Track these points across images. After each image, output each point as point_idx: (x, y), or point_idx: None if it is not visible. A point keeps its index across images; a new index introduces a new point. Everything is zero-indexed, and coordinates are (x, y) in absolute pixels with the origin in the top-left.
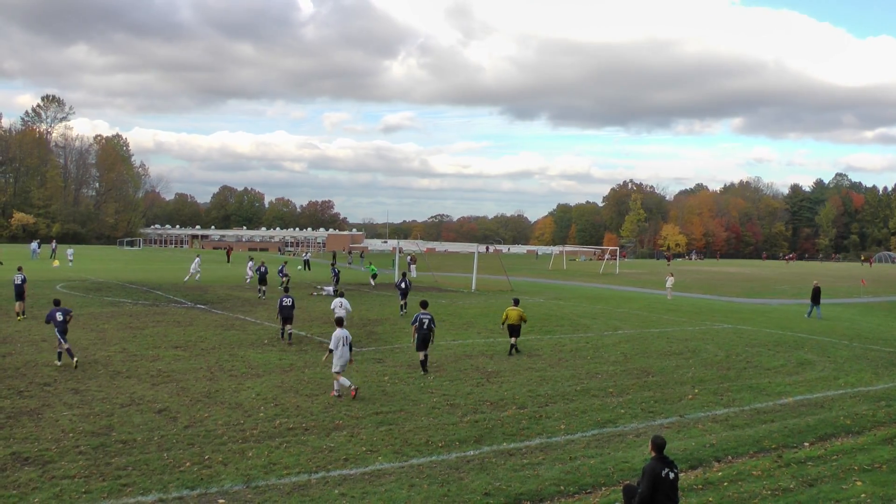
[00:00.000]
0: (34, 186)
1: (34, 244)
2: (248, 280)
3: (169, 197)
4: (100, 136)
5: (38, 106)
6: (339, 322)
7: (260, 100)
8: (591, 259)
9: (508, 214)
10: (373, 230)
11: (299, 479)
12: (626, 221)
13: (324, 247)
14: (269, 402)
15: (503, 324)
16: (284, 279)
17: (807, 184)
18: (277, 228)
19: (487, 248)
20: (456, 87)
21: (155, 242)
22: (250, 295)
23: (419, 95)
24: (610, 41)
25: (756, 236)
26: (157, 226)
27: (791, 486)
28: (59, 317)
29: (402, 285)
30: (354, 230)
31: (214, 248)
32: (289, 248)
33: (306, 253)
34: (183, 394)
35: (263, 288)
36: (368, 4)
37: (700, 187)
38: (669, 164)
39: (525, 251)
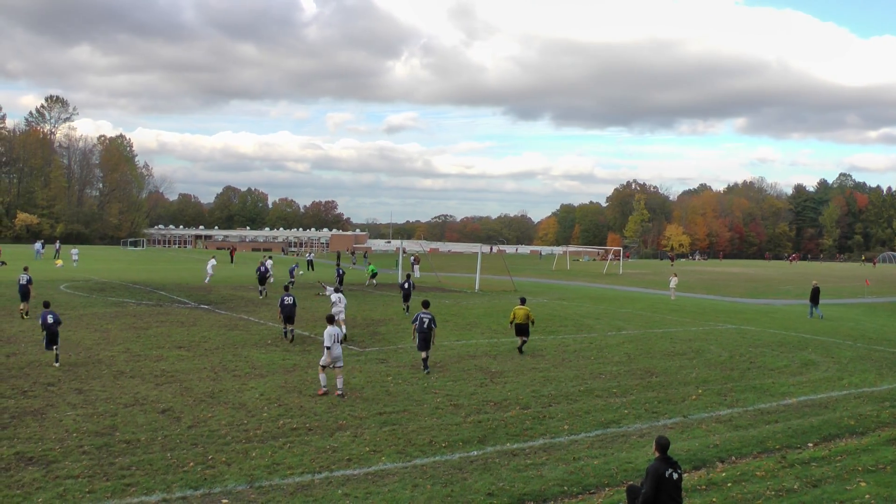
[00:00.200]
0: (38, 187)
1: (38, 244)
2: (272, 280)
3: (172, 197)
4: (103, 136)
5: (42, 106)
6: (331, 320)
7: (263, 100)
8: (594, 259)
9: (512, 215)
10: (376, 230)
11: (303, 480)
12: (629, 222)
13: (327, 247)
14: (273, 402)
15: (511, 323)
16: (293, 279)
17: (810, 184)
18: (281, 229)
19: (491, 249)
20: (459, 88)
21: (158, 243)
22: (253, 295)
23: (422, 96)
24: (613, 41)
25: (760, 237)
26: (160, 226)
27: (795, 486)
28: (49, 319)
29: (406, 286)
30: (358, 230)
31: (218, 249)
32: (292, 249)
33: (310, 253)
34: (186, 394)
35: (262, 288)
36: (371, 5)
37: (703, 187)
38: (673, 165)
39: (529, 251)
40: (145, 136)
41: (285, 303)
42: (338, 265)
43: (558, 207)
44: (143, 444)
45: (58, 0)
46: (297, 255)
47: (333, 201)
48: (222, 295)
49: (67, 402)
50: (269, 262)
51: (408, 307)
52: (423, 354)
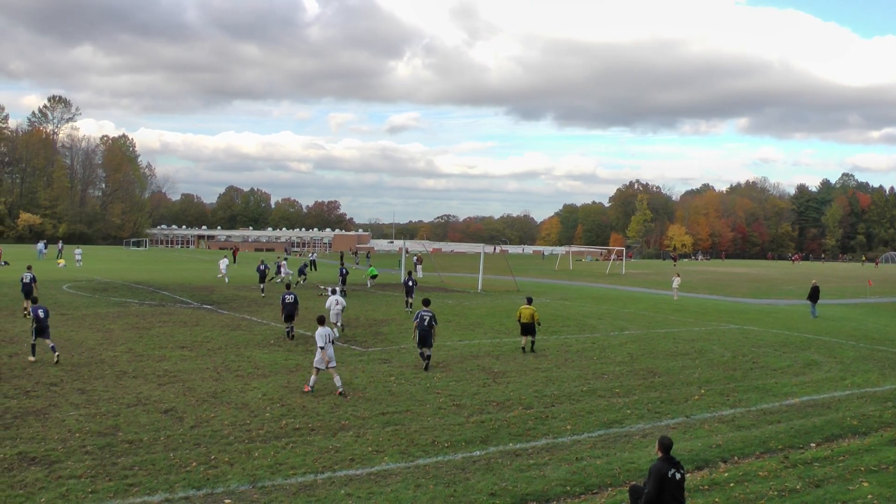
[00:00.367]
0: (41, 187)
1: (40, 244)
2: (284, 277)
3: (175, 197)
4: (106, 136)
5: (45, 107)
6: (321, 321)
7: (265, 100)
8: (597, 259)
9: (514, 215)
10: (379, 230)
11: (305, 480)
12: (632, 222)
13: (330, 247)
14: (276, 402)
15: (518, 321)
16: (302, 278)
17: (813, 184)
18: (284, 229)
19: (495, 249)
20: (461, 88)
21: (161, 243)
22: (256, 295)
23: (424, 96)
24: (615, 41)
25: (762, 237)
26: (163, 226)
27: (797, 486)
28: (41, 314)
29: (410, 283)
30: (361, 230)
31: (221, 249)
32: (295, 249)
33: (312, 253)
34: (189, 394)
35: (263, 286)
36: (373, 5)
37: (706, 187)
38: (675, 165)
39: (531, 251)
40: (148, 137)
41: (286, 301)
42: (341, 265)
43: (561, 207)
44: (145, 444)
45: (60, 0)
46: (300, 255)
47: (336, 201)
48: (225, 295)
49: (70, 402)
50: (284, 263)
51: (410, 304)
52: (426, 352)
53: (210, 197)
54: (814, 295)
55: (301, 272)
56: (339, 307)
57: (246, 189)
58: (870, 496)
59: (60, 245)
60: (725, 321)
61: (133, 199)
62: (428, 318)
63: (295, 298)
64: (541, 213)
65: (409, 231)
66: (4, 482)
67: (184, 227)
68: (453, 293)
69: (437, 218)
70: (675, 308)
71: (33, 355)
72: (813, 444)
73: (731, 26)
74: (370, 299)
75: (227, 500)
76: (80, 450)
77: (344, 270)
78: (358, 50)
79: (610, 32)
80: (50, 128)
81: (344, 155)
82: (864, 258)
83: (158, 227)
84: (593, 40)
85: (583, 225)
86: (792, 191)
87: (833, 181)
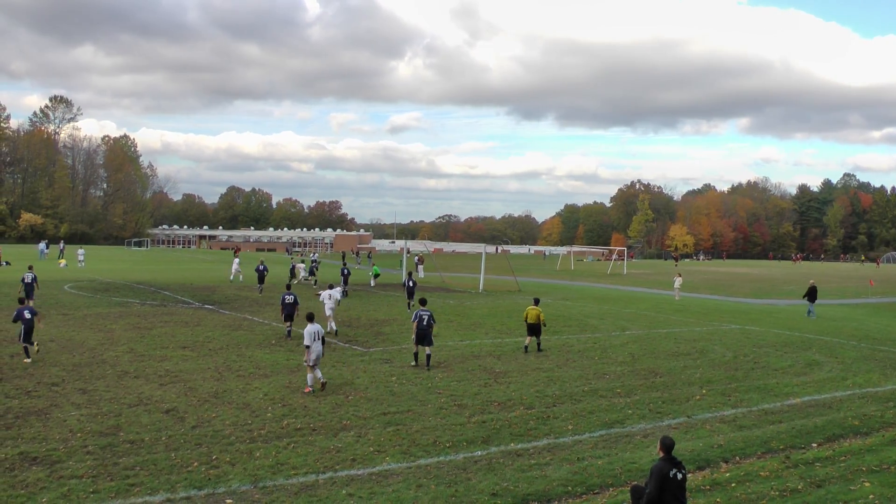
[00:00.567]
0: (42, 187)
1: (42, 245)
2: (303, 278)
3: (176, 197)
4: (107, 136)
5: (46, 107)
6: (311, 318)
7: (267, 100)
8: (598, 259)
9: (516, 215)
10: (380, 230)
11: (307, 480)
12: (633, 222)
13: (331, 247)
14: (277, 402)
15: (525, 321)
16: (313, 279)
17: (815, 184)
18: (285, 229)
19: (497, 249)
20: (462, 88)
21: (163, 243)
22: (257, 295)
23: (426, 96)
24: (616, 41)
25: (764, 237)
26: (164, 226)
27: (799, 486)
28: (27, 315)
29: (410, 284)
30: (362, 230)
31: (222, 249)
32: (296, 249)
33: (314, 253)
34: (191, 394)
35: (261, 286)
36: (374, 5)
37: (707, 187)
38: (677, 165)
39: (532, 251)
40: (149, 137)
41: (286, 301)
42: (343, 265)
43: (562, 207)
44: (147, 444)
45: (61, 0)
46: (302, 255)
47: (337, 201)
48: (226, 295)
49: (71, 402)
50: (300, 266)
51: (411, 304)
52: (427, 351)
53: (211, 197)
54: (811, 295)
55: (311, 272)
56: (332, 302)
57: (247, 189)
58: (871, 496)
59: (62, 245)
60: (727, 321)
61: (134, 199)
62: (426, 318)
63: (295, 299)
64: (542, 214)
65: (410, 231)
66: (6, 482)
67: (185, 227)
68: (455, 293)
69: (439, 218)
70: (676, 308)
71: (28, 357)
72: (814, 445)
73: (732, 26)
74: (372, 299)
75: (228, 500)
76: (81, 450)
77: (346, 270)
78: (359, 50)
79: (611, 32)
80: (51, 128)
81: (345, 155)
82: (862, 258)
83: (160, 227)
84: (594, 40)
85: (584, 225)
86: (793, 191)
87: (834, 181)
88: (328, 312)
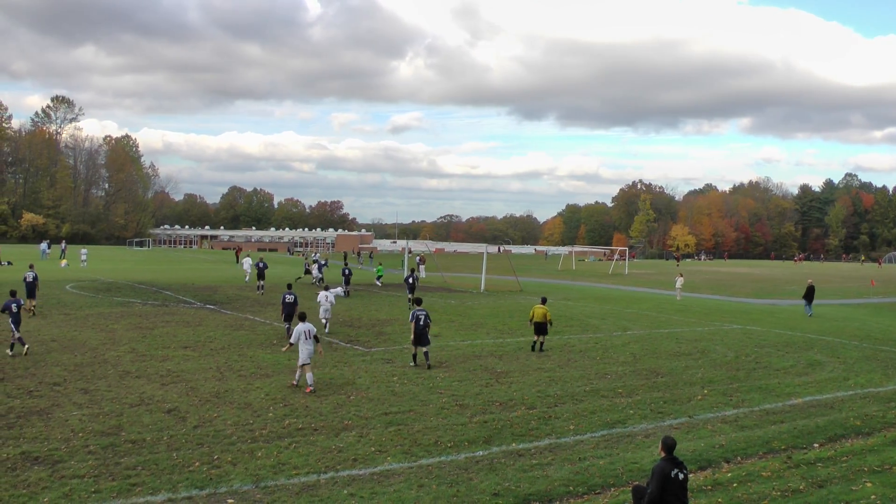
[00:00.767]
0: (44, 187)
1: (44, 244)
2: (318, 280)
3: (178, 197)
4: (109, 136)
5: (48, 107)
6: (303, 317)
7: (268, 100)
8: (600, 259)
9: (517, 215)
10: (382, 230)
11: (308, 480)
12: (635, 222)
13: (333, 247)
14: (279, 402)
15: (530, 321)
16: (320, 278)
17: (816, 184)
18: (287, 229)
19: (500, 249)
20: (463, 88)
21: (164, 243)
22: (259, 295)
23: (427, 96)
24: (617, 41)
25: (765, 237)
26: (166, 226)
27: (800, 487)
28: (13, 307)
29: (410, 280)
30: (364, 230)
31: (224, 249)
32: (298, 249)
33: (315, 253)
34: (192, 394)
35: (262, 283)
36: (375, 5)
37: (709, 187)
38: (678, 165)
39: (534, 251)
40: (151, 137)
41: (286, 301)
42: (345, 265)
43: (564, 207)
44: (148, 443)
45: (62, 1)
46: (303, 255)
47: (339, 201)
48: (228, 295)
49: (73, 401)
50: (316, 267)
51: (412, 301)
52: (424, 349)
53: (213, 197)
54: (809, 294)
55: (319, 269)
56: (329, 304)
57: (249, 189)
58: (873, 496)
59: (64, 245)
60: (728, 321)
61: (136, 199)
62: (423, 317)
63: (295, 298)
64: (544, 214)
65: (411, 231)
66: (8, 482)
67: (187, 227)
68: (456, 293)
69: (440, 218)
70: (678, 308)
71: (23, 345)
72: (816, 445)
73: (733, 26)
74: (373, 299)
75: (230, 500)
76: (83, 449)
77: (347, 271)
78: (360, 50)
79: (612, 32)
80: (53, 128)
81: (347, 155)
82: (862, 258)
83: (161, 227)
84: (595, 40)
85: (586, 225)
86: (795, 191)
87: (836, 181)
88: (322, 314)
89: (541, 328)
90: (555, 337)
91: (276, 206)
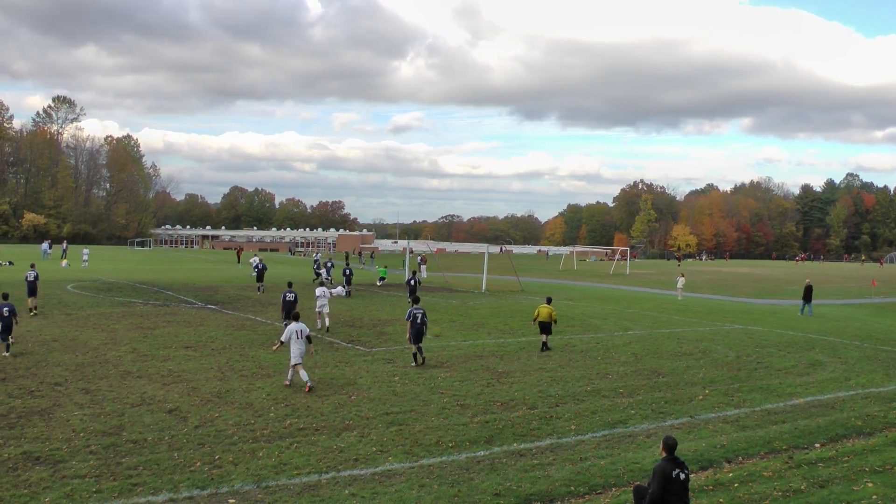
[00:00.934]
0: (45, 187)
1: (45, 244)
2: (327, 281)
3: (179, 197)
4: (110, 136)
5: (49, 107)
6: (296, 317)
7: (269, 100)
8: (601, 259)
9: (519, 215)
10: (383, 230)
11: (310, 480)
12: (636, 222)
13: (334, 247)
14: (280, 402)
15: (534, 321)
16: (328, 278)
17: (817, 184)
18: (288, 229)
19: (502, 249)
20: (464, 88)
21: (166, 243)
22: (260, 295)
23: (428, 96)
24: (617, 41)
25: (767, 237)
26: (167, 226)
27: (802, 487)
28: (5, 311)
29: (412, 282)
30: (365, 230)
31: (225, 249)
32: (299, 249)
33: (317, 253)
34: (193, 394)
35: (261, 285)
36: (376, 5)
37: (710, 187)
38: (679, 165)
39: (536, 251)
40: (152, 137)
41: (287, 299)
42: (346, 265)
43: (565, 207)
44: (150, 443)
45: (63, 1)
46: (305, 255)
47: (340, 201)
48: (229, 295)
49: (74, 401)
50: (325, 270)
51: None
52: (415, 348)
53: (214, 197)
54: (807, 294)
55: (328, 271)
56: (325, 298)
57: (250, 189)
58: (874, 497)
59: (65, 245)
60: (730, 321)
61: (137, 199)
62: (420, 316)
63: (295, 297)
64: (545, 213)
65: (413, 231)
66: (9, 482)
67: (188, 227)
68: (457, 293)
69: (441, 218)
70: (679, 308)
71: (6, 351)
72: (817, 445)
73: (734, 26)
74: (375, 299)
75: (231, 500)
76: (84, 449)
77: (348, 271)
78: (361, 50)
79: (613, 32)
80: (54, 128)
81: (348, 155)
82: (863, 258)
83: (163, 227)
84: (596, 40)
85: (587, 225)
86: (796, 191)
87: (837, 181)
88: (319, 309)
89: (545, 328)
90: (556, 337)
91: (277, 206)
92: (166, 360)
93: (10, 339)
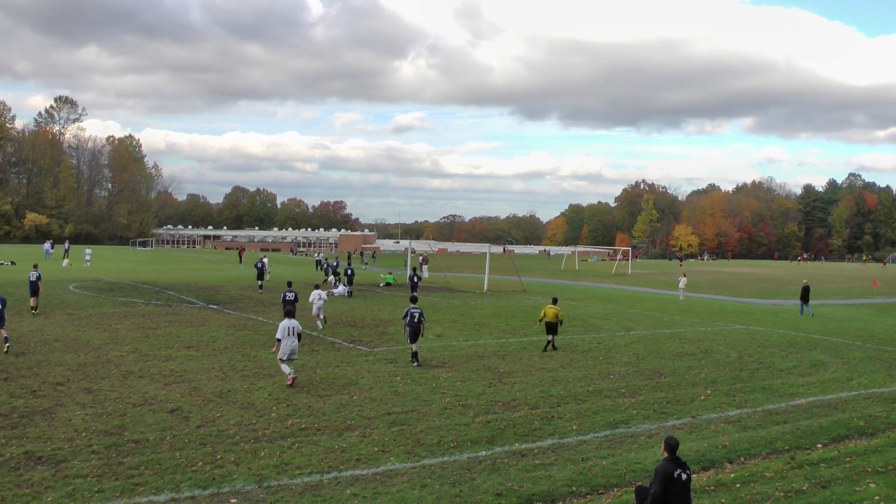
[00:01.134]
0: (47, 187)
1: (47, 245)
2: (334, 281)
3: (181, 197)
4: (112, 136)
5: (51, 107)
6: (289, 314)
7: (270, 100)
8: (603, 259)
9: (520, 215)
10: (385, 230)
11: (311, 480)
12: (638, 222)
13: (336, 247)
14: (282, 402)
15: (540, 321)
16: (335, 277)
17: (819, 184)
18: (290, 229)
19: (504, 249)
20: (466, 88)
21: (167, 243)
22: (263, 295)
23: (429, 96)
24: (619, 41)
25: (769, 237)
26: (169, 226)
27: (804, 487)
28: None
29: (414, 280)
30: (367, 230)
31: (227, 249)
32: (301, 249)
33: (318, 253)
34: (195, 394)
35: (261, 283)
36: (377, 5)
37: (712, 187)
38: (681, 165)
39: (537, 251)
40: (154, 137)
41: (287, 298)
42: (348, 265)
43: (567, 207)
44: (151, 443)
45: (64, 1)
46: (306, 255)
47: (342, 201)
48: (231, 295)
49: (76, 401)
50: (337, 265)
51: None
52: (414, 347)
53: (216, 197)
54: (805, 294)
55: (335, 271)
56: (321, 301)
57: (252, 189)
58: (877, 497)
59: (67, 245)
60: (731, 321)
61: (139, 199)
62: (417, 315)
63: (296, 296)
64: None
65: (414, 231)
66: (11, 481)
67: (190, 227)
68: (459, 293)
69: (443, 218)
70: (681, 308)
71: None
72: (819, 445)
73: (735, 26)
74: (376, 299)
75: (232, 500)
76: (86, 449)
77: (350, 271)
78: (362, 50)
79: (614, 32)
80: (56, 128)
81: (349, 155)
82: (864, 258)
83: (164, 227)
84: (597, 40)
85: (588, 225)
86: (798, 191)
87: (839, 181)
88: (315, 312)
89: (552, 328)
90: (558, 337)
91: (279, 206)
92: (168, 359)
93: (4, 333)
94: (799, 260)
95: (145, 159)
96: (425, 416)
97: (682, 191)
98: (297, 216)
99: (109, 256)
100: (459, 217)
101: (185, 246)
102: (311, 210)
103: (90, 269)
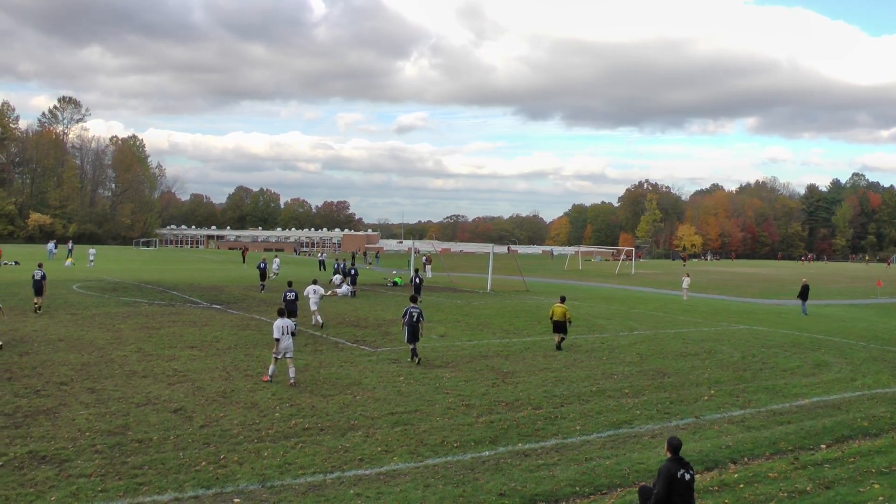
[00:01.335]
0: (51, 187)
1: (51, 244)
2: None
3: (184, 197)
4: (115, 137)
5: (55, 107)
6: (281, 313)
7: (273, 100)
8: (606, 259)
9: (524, 215)
10: (388, 230)
11: (315, 479)
12: (641, 222)
13: (339, 247)
14: (285, 402)
15: (550, 319)
16: (339, 278)
17: (823, 184)
18: (293, 229)
19: (508, 249)
20: (469, 88)
21: (171, 243)
22: (265, 295)
23: (432, 96)
24: (622, 41)
25: (772, 237)
26: (172, 226)
27: (807, 488)
28: None
29: (417, 280)
30: (370, 230)
31: (230, 249)
32: (304, 249)
33: (321, 253)
34: (199, 393)
35: (263, 283)
36: (380, 5)
37: (715, 187)
38: (684, 165)
39: (540, 251)
40: (157, 137)
41: (287, 298)
42: (352, 265)
43: (570, 207)
44: (155, 443)
45: (68, 1)
46: (309, 255)
47: (345, 201)
48: (234, 295)
49: (80, 401)
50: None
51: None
52: (412, 346)
53: (219, 197)
54: (804, 293)
55: (345, 272)
56: (317, 296)
57: (255, 189)
58: (881, 498)
59: (70, 245)
60: (735, 321)
61: (143, 199)
62: (416, 314)
63: (296, 296)
64: (550, 213)
65: (418, 231)
66: (15, 480)
67: (193, 227)
68: (462, 293)
69: (446, 218)
70: (684, 308)
71: None
72: (823, 446)
73: (738, 25)
74: (379, 299)
75: (236, 500)
76: (89, 449)
77: (353, 271)
78: (365, 50)
79: (617, 32)
80: (60, 128)
81: (352, 155)
82: (866, 258)
83: (168, 227)
84: (600, 40)
85: (592, 225)
86: (802, 191)
87: (843, 181)
88: (313, 307)
89: (560, 327)
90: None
91: (282, 206)
92: (171, 359)
93: None
94: (803, 260)
95: (149, 159)
96: (429, 416)
97: (686, 191)
98: (300, 216)
99: (113, 256)
100: (463, 217)
101: (189, 246)
102: (314, 210)
103: (94, 269)
